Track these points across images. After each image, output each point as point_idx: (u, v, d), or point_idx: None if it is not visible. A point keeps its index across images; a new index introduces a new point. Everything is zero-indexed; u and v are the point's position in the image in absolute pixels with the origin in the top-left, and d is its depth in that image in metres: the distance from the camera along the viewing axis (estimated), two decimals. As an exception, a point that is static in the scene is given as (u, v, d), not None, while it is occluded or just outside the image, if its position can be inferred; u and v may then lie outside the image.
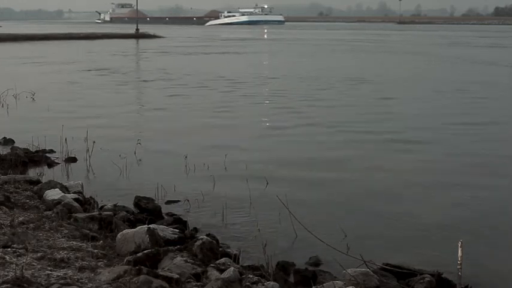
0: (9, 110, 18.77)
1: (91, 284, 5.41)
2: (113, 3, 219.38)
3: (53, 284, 5.27)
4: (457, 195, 10.05)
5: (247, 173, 10.84)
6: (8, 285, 5.07)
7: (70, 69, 34.21)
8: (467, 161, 12.47)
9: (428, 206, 9.44)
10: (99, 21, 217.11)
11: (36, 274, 5.47)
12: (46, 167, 11.69)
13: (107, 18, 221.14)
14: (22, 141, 13.26)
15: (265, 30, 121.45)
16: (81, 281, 5.44)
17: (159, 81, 27.87)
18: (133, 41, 72.64)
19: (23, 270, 5.36)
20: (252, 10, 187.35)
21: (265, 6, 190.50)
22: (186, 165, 11.28)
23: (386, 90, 24.29)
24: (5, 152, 12.07)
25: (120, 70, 33.64)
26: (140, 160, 12.17)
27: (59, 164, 11.96)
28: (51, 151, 12.75)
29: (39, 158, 12.03)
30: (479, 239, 7.96)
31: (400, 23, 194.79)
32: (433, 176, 11.25)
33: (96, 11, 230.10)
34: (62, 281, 5.33)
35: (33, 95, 21.11)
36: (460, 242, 5.77)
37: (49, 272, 5.55)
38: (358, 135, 15.00)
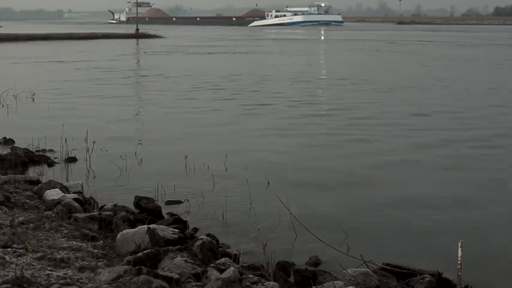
0: (9, 110, 18.77)
1: (91, 284, 5.40)
2: (129, 2, 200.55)
3: (53, 284, 5.26)
4: (457, 195, 10.05)
5: (248, 173, 10.83)
6: (8, 285, 5.07)
7: (70, 69, 34.21)
8: (467, 161, 12.48)
9: (429, 205, 9.44)
10: (114, 21, 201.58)
11: (36, 274, 5.47)
12: (46, 167, 11.69)
13: (123, 18, 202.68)
14: (22, 141, 13.26)
15: (322, 32, 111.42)
16: (81, 281, 5.44)
17: (160, 81, 27.89)
18: (146, 41, 72.58)
19: (23, 270, 5.36)
20: (306, 9, 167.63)
21: (322, 5, 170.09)
22: (186, 165, 11.28)
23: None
24: (5, 152, 12.07)
25: (141, 70, 33.64)
26: (140, 160, 12.17)
27: (59, 164, 11.96)
28: (51, 151, 12.75)
29: (39, 158, 12.03)
30: (479, 239, 7.96)
31: (400, 23, 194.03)
32: (433, 175, 11.25)
33: (109, 11, 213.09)
34: (62, 281, 5.33)
35: (33, 95, 21.11)
36: (460, 242, 5.77)
37: (49, 272, 5.55)
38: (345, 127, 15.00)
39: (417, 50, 54.66)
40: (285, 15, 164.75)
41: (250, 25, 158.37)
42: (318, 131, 15.57)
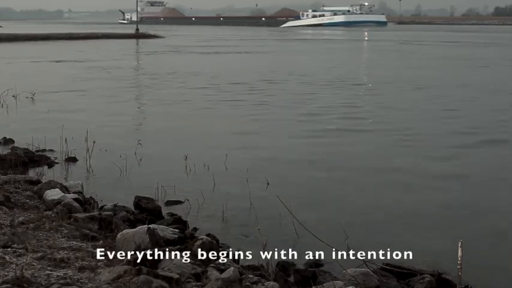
0: (9, 110, 18.77)
1: (91, 284, 5.40)
2: (141, 1, 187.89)
3: (53, 284, 5.26)
4: (457, 195, 10.05)
5: (248, 173, 10.83)
6: (8, 285, 5.07)
7: (70, 69, 34.21)
8: (467, 160, 12.48)
9: (429, 205, 9.44)
10: (125, 21, 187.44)
11: (36, 274, 5.46)
12: (46, 167, 11.69)
13: (135, 18, 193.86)
14: (22, 141, 13.26)
15: (366, 33, 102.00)
16: (81, 281, 5.44)
17: (161, 82, 27.90)
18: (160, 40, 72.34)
19: (23, 270, 5.36)
20: (347, 8, 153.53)
21: (366, 4, 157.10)
22: (186, 166, 11.28)
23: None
24: (5, 152, 12.07)
25: (148, 70, 33.65)
26: (140, 160, 12.16)
27: (59, 164, 11.96)
28: (51, 151, 12.75)
29: (39, 158, 12.03)
30: (479, 239, 7.96)
31: (400, 23, 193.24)
32: (434, 176, 11.25)
33: (120, 10, 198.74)
34: (62, 281, 5.32)
35: (33, 95, 21.11)
36: (460, 242, 5.77)
37: (49, 272, 5.55)
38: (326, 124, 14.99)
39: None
40: (323, 15, 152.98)
41: (283, 25, 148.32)
42: (318, 130, 15.57)
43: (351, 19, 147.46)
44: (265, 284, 5.71)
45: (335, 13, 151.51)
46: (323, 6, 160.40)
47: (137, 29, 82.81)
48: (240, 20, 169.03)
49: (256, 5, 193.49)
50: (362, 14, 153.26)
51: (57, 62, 39.39)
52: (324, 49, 57.51)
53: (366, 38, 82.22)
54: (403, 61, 41.96)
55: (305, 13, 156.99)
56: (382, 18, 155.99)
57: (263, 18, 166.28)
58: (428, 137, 14.78)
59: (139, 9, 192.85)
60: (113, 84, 26.47)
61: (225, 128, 16.04)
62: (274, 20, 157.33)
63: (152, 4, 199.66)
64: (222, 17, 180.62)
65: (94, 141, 11.90)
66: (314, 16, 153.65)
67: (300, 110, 19.08)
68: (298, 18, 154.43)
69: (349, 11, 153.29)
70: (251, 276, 5.88)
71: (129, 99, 22.48)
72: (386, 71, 33.68)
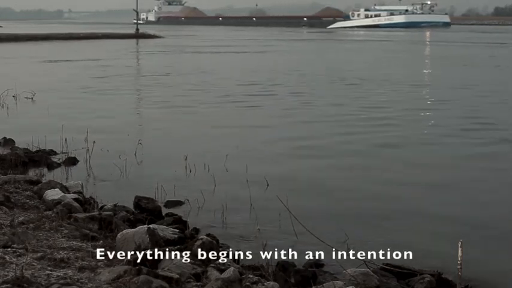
0: (9, 110, 18.77)
1: (91, 284, 5.41)
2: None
3: (53, 284, 5.27)
4: (457, 195, 10.06)
5: (248, 174, 10.83)
6: (8, 285, 5.07)
7: (71, 69, 34.22)
8: (467, 160, 12.49)
9: (429, 205, 9.44)
10: (141, 21, 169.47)
11: (36, 274, 5.47)
12: (46, 167, 11.68)
13: (151, 18, 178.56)
14: (22, 141, 13.25)
15: (428, 34, 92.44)
16: (81, 281, 5.45)
17: (161, 81, 27.90)
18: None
19: (23, 270, 5.36)
20: (409, 8, 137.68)
21: (428, 2, 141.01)
22: (186, 166, 11.28)
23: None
24: (5, 152, 12.07)
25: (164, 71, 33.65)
26: (140, 160, 12.17)
27: (59, 164, 11.95)
28: (51, 151, 12.74)
29: (39, 158, 12.02)
30: (479, 239, 7.96)
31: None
32: (434, 175, 11.25)
33: (134, 10, 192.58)
34: (62, 281, 5.33)
35: (33, 95, 21.10)
36: (460, 242, 5.77)
37: (49, 272, 5.55)
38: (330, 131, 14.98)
39: None
40: (378, 15, 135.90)
41: (330, 26, 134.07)
42: (320, 132, 15.57)
43: (412, 19, 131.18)
44: (265, 284, 5.72)
45: (391, 13, 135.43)
46: (374, 5, 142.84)
47: (137, 29, 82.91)
48: (274, 21, 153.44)
49: (256, 5, 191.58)
50: (423, 13, 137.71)
51: (57, 62, 39.40)
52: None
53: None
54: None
55: (356, 12, 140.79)
56: (446, 18, 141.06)
57: (305, 19, 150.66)
58: (428, 137, 14.80)
59: (156, 8, 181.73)
60: (113, 84, 26.47)
61: (225, 128, 16.04)
62: (318, 21, 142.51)
63: (170, 3, 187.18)
64: (254, 17, 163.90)
65: (94, 141, 11.91)
66: (367, 16, 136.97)
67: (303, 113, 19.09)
68: (347, 18, 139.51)
69: (407, 10, 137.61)
70: (251, 276, 5.88)
71: (130, 99, 22.49)
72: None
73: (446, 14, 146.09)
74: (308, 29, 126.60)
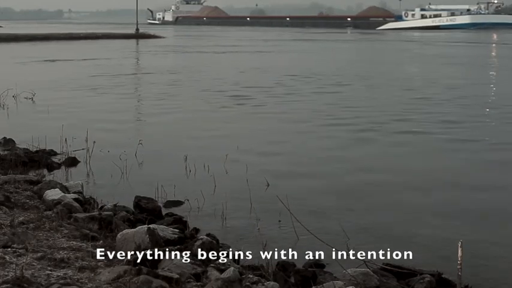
0: (9, 110, 18.77)
1: (91, 284, 5.41)
2: None
3: (53, 284, 5.27)
4: (457, 195, 10.06)
5: (248, 174, 10.83)
6: (8, 285, 5.07)
7: (71, 69, 34.22)
8: (467, 160, 12.49)
9: (429, 205, 9.44)
10: (157, 21, 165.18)
11: (36, 274, 5.47)
12: (46, 167, 11.68)
13: (168, 18, 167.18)
14: (22, 141, 13.25)
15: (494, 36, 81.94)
16: (81, 281, 5.45)
17: (161, 81, 27.91)
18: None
19: (23, 270, 5.36)
20: (473, 8, 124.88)
21: (495, 1, 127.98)
22: (186, 166, 11.28)
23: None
24: (5, 152, 12.07)
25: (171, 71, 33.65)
26: (141, 160, 12.17)
27: (59, 164, 11.95)
28: (52, 151, 12.74)
29: (39, 158, 12.02)
30: (479, 239, 7.96)
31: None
32: (434, 175, 11.25)
33: (148, 9, 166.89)
34: (62, 281, 5.33)
35: (33, 95, 21.10)
36: (460, 242, 5.77)
37: (49, 272, 5.55)
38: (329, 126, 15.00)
39: None
40: (438, 15, 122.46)
41: (380, 28, 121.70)
42: (320, 131, 15.57)
43: (477, 20, 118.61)
44: (265, 284, 5.72)
45: (452, 13, 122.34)
46: (429, 4, 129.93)
47: (137, 29, 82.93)
48: (310, 21, 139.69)
49: (256, 5, 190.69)
50: (488, 14, 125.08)
51: (58, 61, 39.38)
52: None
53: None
54: None
55: (410, 12, 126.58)
56: None
57: (348, 19, 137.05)
58: (429, 136, 14.81)
59: (173, 7, 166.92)
60: (113, 84, 26.46)
61: (225, 128, 16.04)
62: (365, 21, 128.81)
63: (188, 2, 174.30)
64: (288, 17, 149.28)
65: (94, 141, 11.91)
66: (423, 16, 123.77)
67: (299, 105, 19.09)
68: (399, 18, 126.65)
69: (468, 9, 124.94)
70: (251, 276, 5.88)
71: (130, 99, 22.47)
72: None
73: None
74: (353, 30, 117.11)
